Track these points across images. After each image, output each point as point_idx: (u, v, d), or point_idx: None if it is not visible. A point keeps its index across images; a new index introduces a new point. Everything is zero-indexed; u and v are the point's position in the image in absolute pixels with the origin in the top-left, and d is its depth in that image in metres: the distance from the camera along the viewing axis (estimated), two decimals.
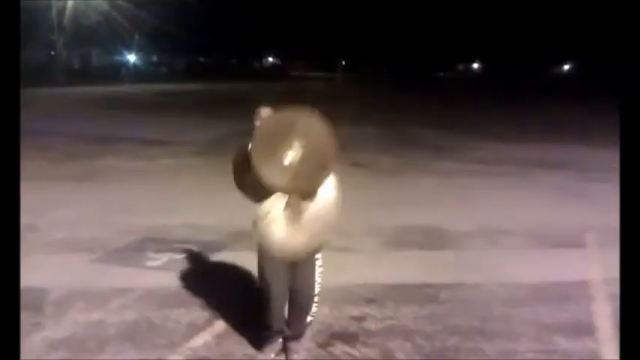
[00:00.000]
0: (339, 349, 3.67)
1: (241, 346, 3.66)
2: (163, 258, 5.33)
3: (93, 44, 52.81)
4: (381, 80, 54.99)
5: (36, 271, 4.89)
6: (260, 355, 3.52)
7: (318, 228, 3.08)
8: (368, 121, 17.39)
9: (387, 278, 4.91)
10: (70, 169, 9.70)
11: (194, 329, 3.89)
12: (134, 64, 57.46)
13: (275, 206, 3.04)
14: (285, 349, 3.51)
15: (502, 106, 27.73)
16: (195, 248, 5.59)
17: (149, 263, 5.24)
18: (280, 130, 2.91)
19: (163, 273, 4.98)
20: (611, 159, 9.33)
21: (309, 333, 3.77)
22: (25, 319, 3.98)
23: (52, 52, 42.56)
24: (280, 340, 3.52)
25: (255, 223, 3.11)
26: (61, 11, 38.67)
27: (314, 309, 3.45)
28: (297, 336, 3.49)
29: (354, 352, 3.63)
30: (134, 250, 5.58)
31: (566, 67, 72.46)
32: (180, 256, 5.36)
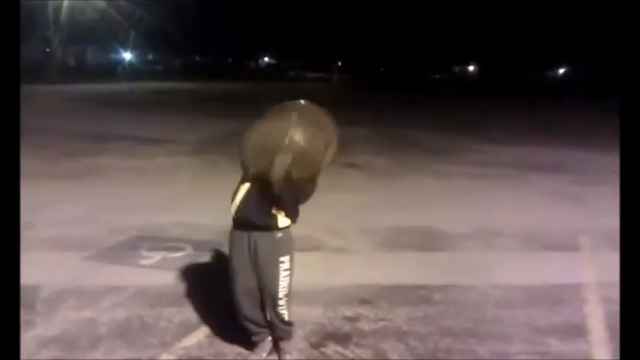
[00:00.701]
0: (331, 349, 3.66)
1: (234, 345, 3.64)
2: (157, 256, 5.32)
3: (89, 42, 52.64)
4: (377, 81, 55.04)
5: (28, 269, 4.80)
6: (252, 355, 3.50)
7: None
8: (363, 123, 17.38)
9: (382, 279, 4.90)
10: (65, 167, 9.66)
11: (187, 328, 3.87)
12: (130, 62, 57.29)
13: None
14: (277, 349, 3.49)
15: (499, 108, 27.78)
16: (188, 247, 5.57)
17: (142, 262, 5.22)
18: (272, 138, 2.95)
19: (156, 271, 4.97)
20: (609, 162, 9.38)
21: (301, 333, 3.77)
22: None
23: (48, 50, 42.39)
24: (270, 339, 3.50)
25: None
26: (58, 9, 38.51)
27: (283, 311, 3.33)
28: (285, 336, 3.46)
29: (347, 352, 3.62)
30: (127, 249, 5.56)
31: (562, 69, 72.67)
32: (174, 255, 5.34)
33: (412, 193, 8.65)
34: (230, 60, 72.17)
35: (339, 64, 62.68)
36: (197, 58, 69.79)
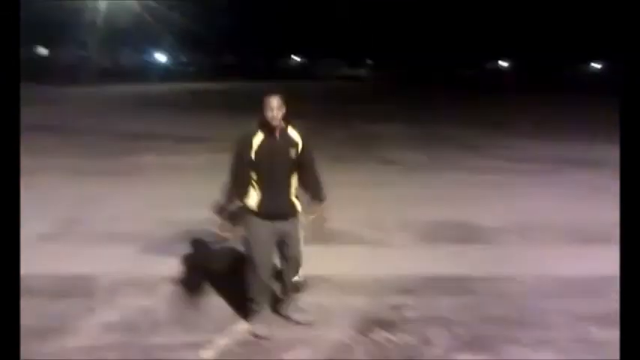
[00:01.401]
0: (378, 335, 3.82)
1: (286, 329, 3.84)
2: (205, 249, 5.53)
3: (123, 44, 53.63)
4: (409, 79, 54.83)
5: (85, 261, 5.15)
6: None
7: None
8: (398, 120, 17.45)
9: (422, 270, 5.03)
10: (109, 165, 10.00)
11: (240, 314, 4.06)
12: (163, 63, 58.22)
13: None
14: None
15: (533, 104, 27.48)
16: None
17: (191, 254, 5.44)
18: None
19: (207, 262, 5.18)
20: None
21: (348, 320, 3.94)
22: (79, 304, 4.23)
23: (84, 53, 43.46)
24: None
25: None
26: (93, 12, 39.43)
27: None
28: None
29: (394, 338, 3.77)
30: (177, 242, 5.79)
31: (599, 65, 71.18)
32: (221, 247, 5.54)
33: (448, 187, 8.73)
34: (261, 60, 72.58)
35: (370, 62, 62.60)
36: (228, 59, 70.42)
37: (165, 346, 3.65)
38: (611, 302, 4.43)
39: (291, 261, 3.79)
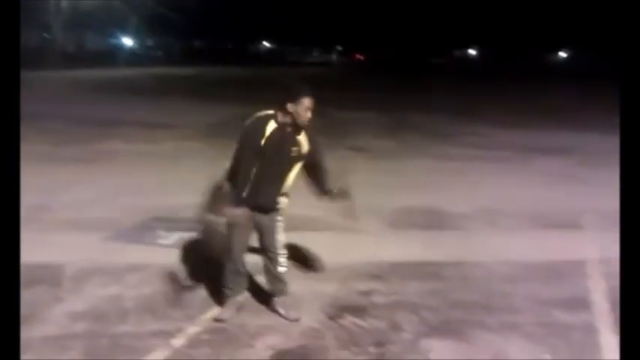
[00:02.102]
0: (348, 320, 3.86)
1: (256, 317, 3.85)
2: (174, 236, 5.49)
3: (88, 27, 52.37)
4: (378, 65, 54.96)
5: (51, 249, 5.06)
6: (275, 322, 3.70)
7: None
8: (365, 107, 17.50)
9: (391, 256, 5.09)
10: (75, 152, 9.80)
11: (209, 302, 4.06)
12: (129, 47, 57.11)
13: None
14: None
15: (499, 92, 27.86)
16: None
17: (160, 241, 5.40)
18: None
19: (175, 250, 5.14)
20: (611, 145, 9.51)
21: (318, 306, 3.97)
22: (46, 292, 4.16)
23: (47, 35, 42.24)
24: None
25: None
26: None
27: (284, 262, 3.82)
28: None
29: (363, 323, 3.82)
30: (144, 229, 5.74)
31: (564, 54, 72.45)
32: (189, 235, 5.51)
33: (416, 174, 8.83)
34: (229, 45, 71.82)
35: (339, 48, 62.53)
36: (196, 43, 69.53)
37: (134, 334, 3.62)
38: (576, 287, 4.57)
39: (268, 251, 3.77)
